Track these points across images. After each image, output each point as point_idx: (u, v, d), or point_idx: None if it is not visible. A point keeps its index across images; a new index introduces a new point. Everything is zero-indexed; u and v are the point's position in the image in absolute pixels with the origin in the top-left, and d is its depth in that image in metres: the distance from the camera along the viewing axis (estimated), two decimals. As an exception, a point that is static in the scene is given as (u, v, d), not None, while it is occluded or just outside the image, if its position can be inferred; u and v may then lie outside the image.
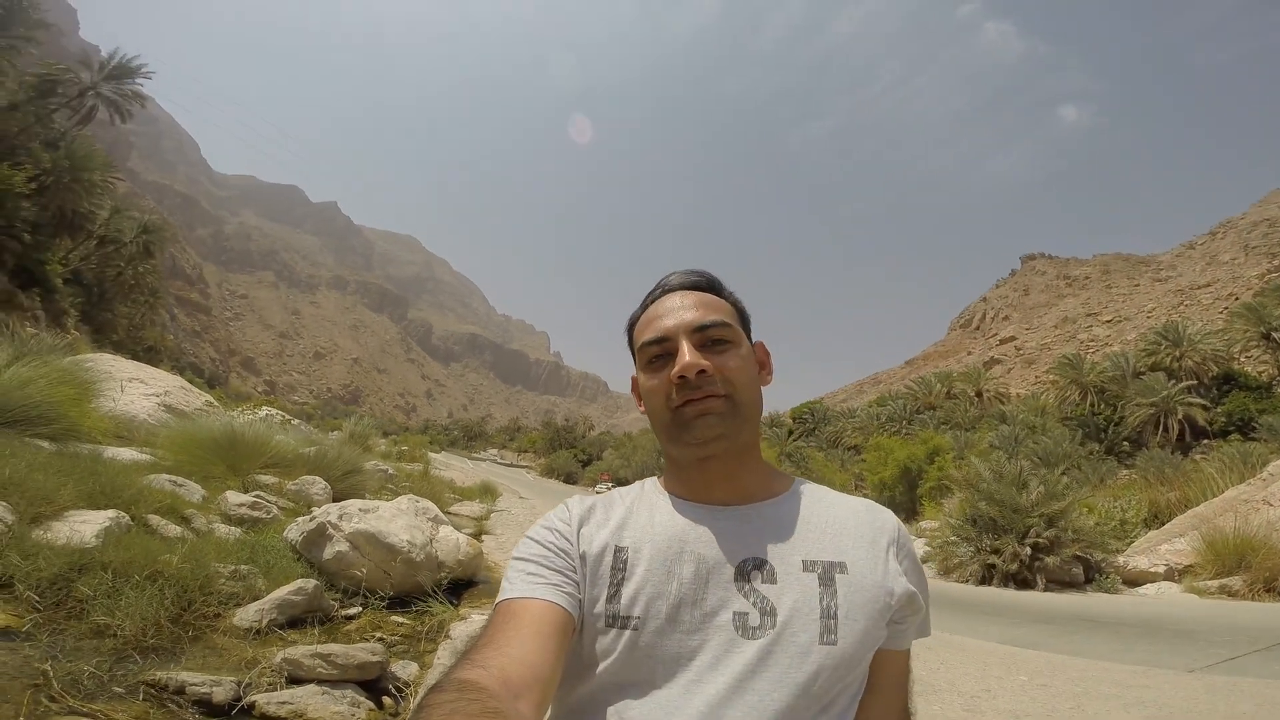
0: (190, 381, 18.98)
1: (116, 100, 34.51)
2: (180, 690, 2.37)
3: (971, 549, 9.07)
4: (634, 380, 0.88)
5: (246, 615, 3.11)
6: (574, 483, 36.23)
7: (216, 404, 14.94)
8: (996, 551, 8.66)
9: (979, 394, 34.88)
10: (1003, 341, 66.82)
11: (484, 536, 7.70)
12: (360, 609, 3.76)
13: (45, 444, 5.42)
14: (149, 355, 36.75)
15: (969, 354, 69.84)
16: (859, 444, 29.60)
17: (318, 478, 6.89)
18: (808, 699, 0.68)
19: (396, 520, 4.29)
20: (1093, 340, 53.85)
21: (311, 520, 4.11)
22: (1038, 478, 9.55)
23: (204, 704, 2.37)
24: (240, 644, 2.93)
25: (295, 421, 18.50)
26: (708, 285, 0.86)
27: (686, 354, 0.77)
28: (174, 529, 3.97)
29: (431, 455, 24.75)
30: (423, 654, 3.32)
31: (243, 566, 3.50)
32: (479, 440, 79.45)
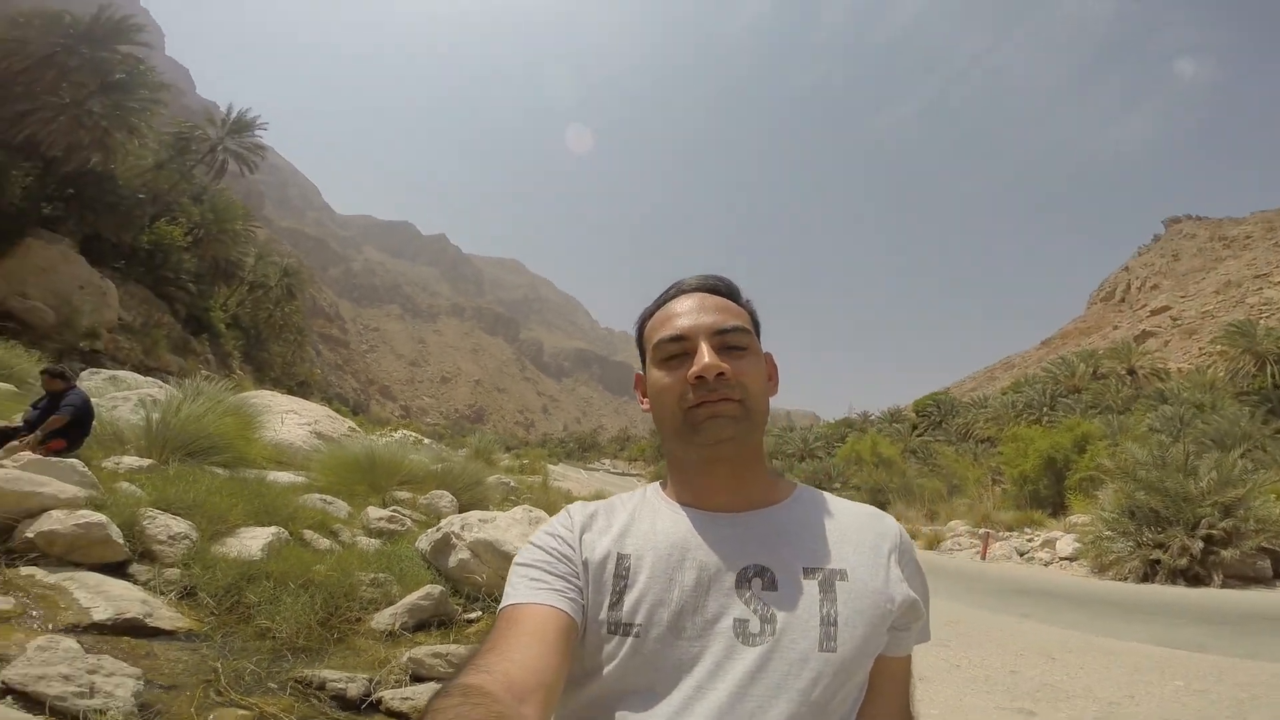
0: (337, 410, 21.24)
1: (242, 153, 37.98)
2: (321, 686, 2.69)
3: (1130, 544, 8.11)
4: (638, 377, 0.90)
5: (382, 619, 3.45)
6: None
7: (359, 429, 16.55)
8: (1161, 546, 7.68)
9: (1131, 372, 31.07)
10: (1154, 312, 59.26)
11: None
12: (481, 613, 4.05)
13: (220, 470, 6.28)
14: (301, 389, 41.42)
15: (1114, 329, 62.65)
16: (992, 435, 27.30)
17: (445, 492, 7.47)
18: (808, 705, 0.68)
19: (512, 529, 4.55)
20: (1265, 304, 46.53)
21: (438, 531, 4.47)
22: (1209, 462, 8.38)
23: (339, 699, 2.68)
24: (375, 645, 3.26)
25: (427, 441, 20.06)
26: (726, 290, 0.86)
27: (706, 355, 0.77)
28: (324, 542, 4.47)
29: (550, 467, 25.86)
30: None
31: (380, 575, 3.89)
32: (592, 451, 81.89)
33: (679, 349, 0.80)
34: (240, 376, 30.66)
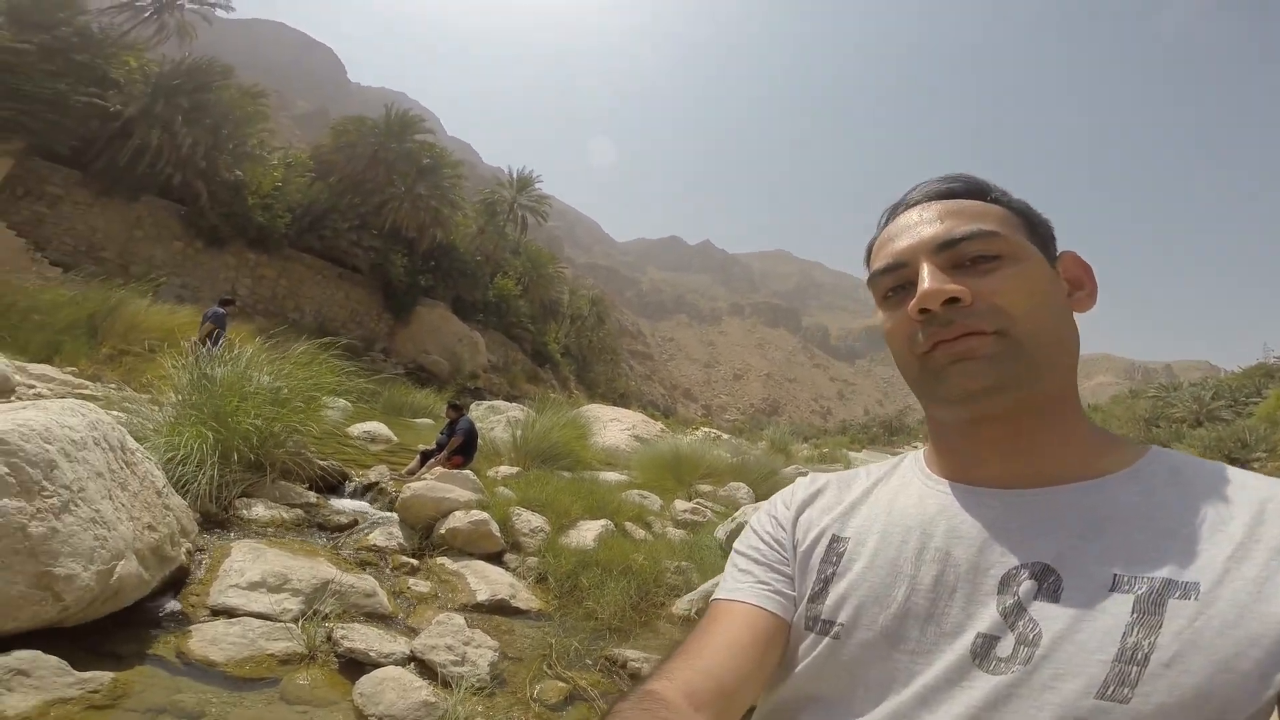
0: (650, 415, 23.83)
1: (532, 206, 44.22)
2: (623, 664, 3.06)
3: None
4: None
5: (681, 604, 3.77)
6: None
7: (668, 430, 18.29)
8: None
9: None
10: None
11: None
12: None
13: (565, 473, 7.55)
14: (621, 400, 47.45)
15: None
16: None
17: (742, 483, 7.78)
18: None
19: (807, 517, 4.53)
20: None
21: (733, 521, 4.70)
22: None
23: (635, 676, 3.00)
24: (673, 629, 3.57)
25: (725, 437, 21.14)
26: (965, 189, 0.63)
27: (927, 279, 0.58)
28: (640, 533, 5.07)
29: (852, 455, 24.82)
30: None
31: (683, 563, 4.25)
32: (900, 434, 75.75)
33: (898, 279, 0.62)
34: (576, 395, 36.61)
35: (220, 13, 30.94)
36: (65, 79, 20.09)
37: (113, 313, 9.04)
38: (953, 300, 0.56)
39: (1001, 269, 0.58)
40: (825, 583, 0.63)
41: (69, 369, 7.57)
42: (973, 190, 0.63)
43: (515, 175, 44.16)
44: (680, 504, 6.23)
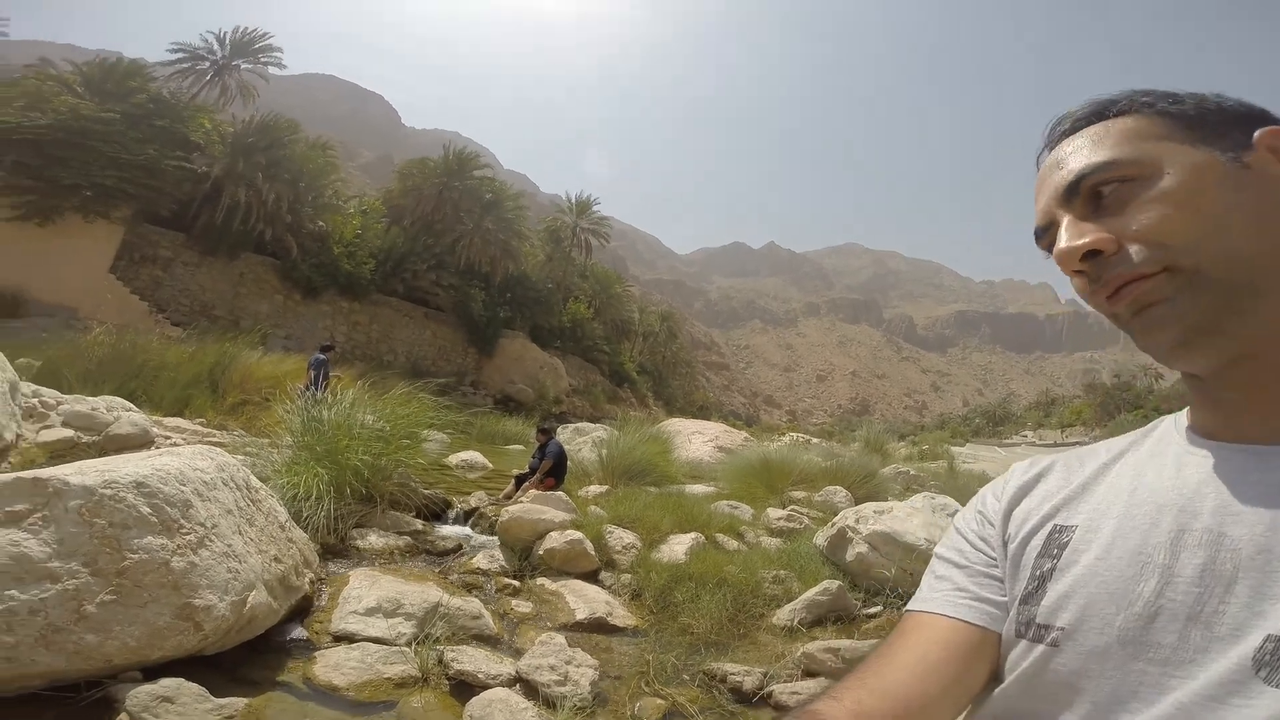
0: (732, 425, 23.53)
1: (593, 228, 45.26)
2: (723, 679, 2.95)
3: None
4: None
5: (782, 615, 3.61)
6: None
7: (752, 438, 17.93)
8: None
9: None
10: None
11: None
12: (881, 608, 3.88)
13: (652, 489, 7.52)
14: (701, 412, 47.19)
15: None
16: None
17: (839, 487, 7.45)
18: None
19: (912, 519, 4.25)
20: None
21: (833, 526, 4.48)
22: None
23: (736, 691, 2.89)
24: (775, 640, 3.41)
25: (815, 441, 20.48)
26: (1097, 112, 0.52)
27: (1062, 238, 0.49)
28: (733, 544, 4.93)
29: (955, 450, 23.41)
30: None
31: (781, 572, 4.09)
32: (1007, 424, 70.74)
33: (1051, 239, 0.53)
34: (655, 411, 36.81)
35: (274, 69, 33.50)
36: (153, 144, 22.02)
37: (229, 366, 9.92)
38: (1093, 253, 0.48)
39: (1138, 193, 0.47)
40: (1041, 581, 0.53)
41: (198, 420, 8.34)
42: (1106, 109, 0.52)
43: (574, 200, 45.39)
44: (773, 512, 6.03)
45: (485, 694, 2.45)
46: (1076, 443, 38.89)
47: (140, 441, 6.09)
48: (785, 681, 2.93)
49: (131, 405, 7.08)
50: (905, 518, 4.26)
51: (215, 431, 7.86)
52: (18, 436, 5.31)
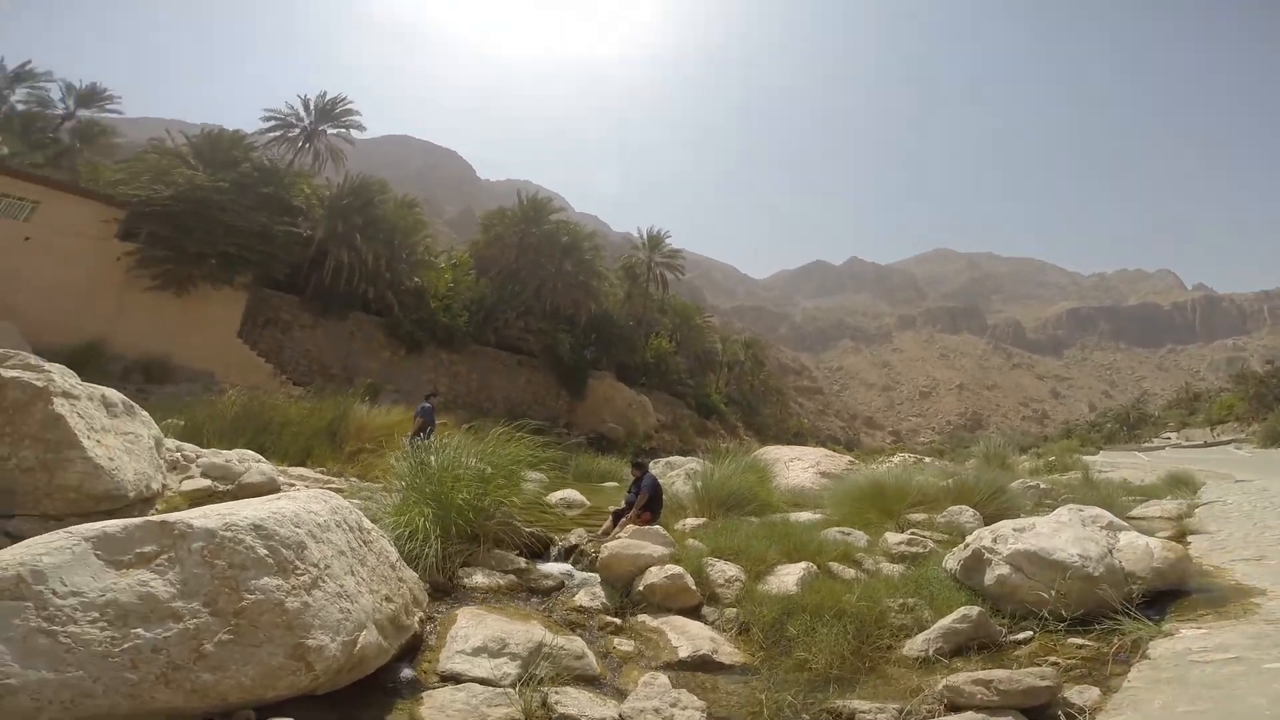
0: (832, 449, 22.49)
1: (668, 263, 45.38)
2: (851, 717, 2.59)
3: None
4: None
5: (914, 645, 3.22)
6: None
7: (857, 462, 16.99)
8: None
9: None
10: None
11: (1189, 537, 6.06)
12: (1032, 633, 3.41)
13: (752, 519, 7.19)
14: (797, 439, 45.63)
15: None
16: None
17: (964, 506, 6.81)
18: None
19: (1060, 534, 3.74)
20: None
21: (966, 548, 4.02)
22: None
23: None
24: (908, 673, 3.02)
25: (927, 460, 19.12)
26: None
27: None
28: (849, 572, 4.54)
29: (1087, 459, 21.13)
30: (1109, 677, 2.78)
31: (909, 599, 3.68)
32: (1144, 426, 63.33)
33: None
34: (746, 441, 35.88)
35: (355, 133, 36.20)
36: (262, 211, 24.00)
37: (344, 418, 10.63)
38: None
39: None
40: None
41: (319, 469, 8.93)
42: None
43: (646, 236, 46.00)
44: (892, 537, 5.56)
45: (593, 738, 2.30)
46: (1229, 441, 33.82)
47: (268, 489, 6.55)
48: (925, 718, 2.58)
49: (260, 457, 7.67)
50: (1052, 534, 3.75)
51: (334, 478, 8.36)
52: (164, 486, 5.85)
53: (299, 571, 2.48)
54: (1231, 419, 42.97)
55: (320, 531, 2.78)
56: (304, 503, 2.92)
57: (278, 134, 33.96)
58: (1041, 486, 10.33)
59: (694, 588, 4.37)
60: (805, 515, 7.65)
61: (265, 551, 2.43)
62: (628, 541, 5.03)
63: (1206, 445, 35.04)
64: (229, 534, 2.39)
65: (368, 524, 3.42)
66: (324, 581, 2.56)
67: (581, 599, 4.31)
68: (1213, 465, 17.26)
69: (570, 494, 9.22)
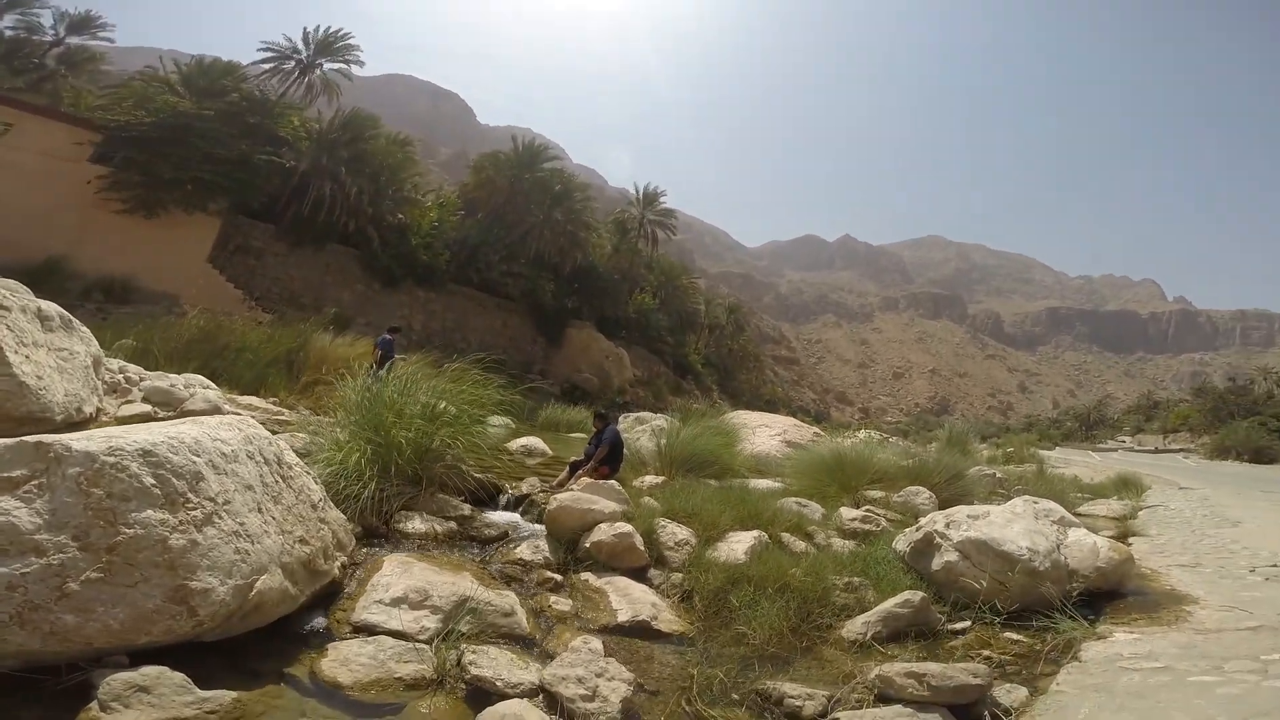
0: (801, 420, 22.61)
1: (659, 220, 44.35)
2: (779, 701, 2.48)
3: None
4: None
5: (854, 627, 3.13)
6: (1273, 461, 24.98)
7: (823, 434, 17.08)
8: None
9: None
10: None
11: (1131, 539, 6.11)
12: (970, 623, 3.36)
13: (712, 482, 7.09)
14: (768, 406, 45.99)
15: None
16: None
17: (921, 488, 6.78)
18: None
19: (1013, 525, 3.65)
20: None
21: (918, 530, 3.93)
22: None
23: (793, 717, 2.43)
24: (843, 656, 2.93)
25: (892, 439, 19.33)
26: None
27: None
28: (800, 545, 4.44)
29: (1044, 453, 21.61)
30: (1039, 677, 2.73)
31: (855, 579, 3.59)
32: (1101, 428, 65.29)
33: None
34: (720, 405, 36.10)
35: (355, 69, 34.68)
36: (245, 140, 23.41)
37: (304, 348, 10.23)
38: None
39: None
40: None
41: (271, 399, 8.59)
42: None
43: (641, 192, 45.01)
44: (847, 512, 5.48)
45: (499, 705, 2.15)
46: (1179, 450, 35.09)
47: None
48: (854, 708, 2.46)
49: (210, 383, 7.30)
50: (1005, 524, 3.66)
51: (285, 410, 8.04)
52: (98, 410, 5.47)
53: (190, 505, 2.23)
54: (1185, 429, 44.30)
55: (224, 462, 2.52)
56: (212, 428, 2.65)
57: (272, 65, 32.21)
58: (997, 475, 10.45)
59: (642, 548, 4.22)
60: (765, 483, 7.59)
61: (152, 480, 2.17)
62: (579, 495, 4.85)
63: (1157, 451, 36.14)
64: (111, 459, 2.12)
65: (290, 457, 3.17)
66: (220, 518, 2.32)
67: (523, 552, 4.14)
68: (1161, 471, 17.73)
69: (532, 441, 9.02)
